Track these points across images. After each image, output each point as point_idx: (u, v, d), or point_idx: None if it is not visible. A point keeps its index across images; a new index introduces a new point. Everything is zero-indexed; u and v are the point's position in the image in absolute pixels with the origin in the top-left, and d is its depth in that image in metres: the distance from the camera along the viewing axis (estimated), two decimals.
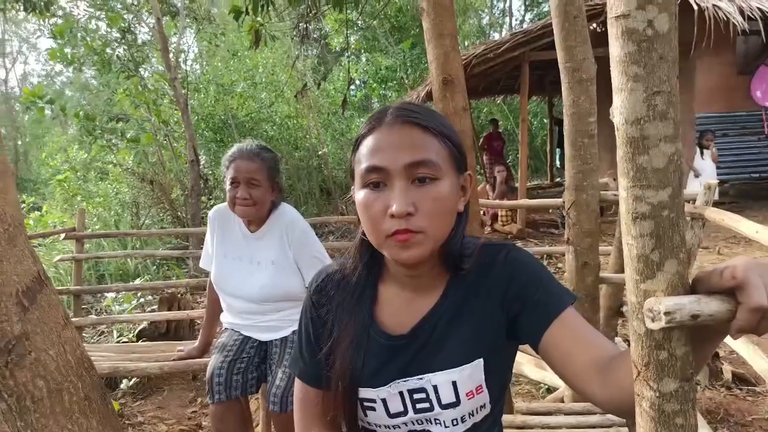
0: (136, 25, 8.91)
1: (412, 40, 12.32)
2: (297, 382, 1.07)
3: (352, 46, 13.30)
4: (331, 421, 1.04)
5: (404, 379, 0.96)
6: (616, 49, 0.59)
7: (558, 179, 12.57)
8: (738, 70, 8.09)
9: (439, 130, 0.89)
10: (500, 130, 11.26)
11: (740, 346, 1.88)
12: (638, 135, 0.59)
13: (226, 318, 2.24)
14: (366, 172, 0.87)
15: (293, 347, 1.10)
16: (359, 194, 0.89)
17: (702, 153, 7.38)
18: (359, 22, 12.32)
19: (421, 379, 0.95)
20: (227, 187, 2.02)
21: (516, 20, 19.60)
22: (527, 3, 19.26)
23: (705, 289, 0.63)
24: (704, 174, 7.15)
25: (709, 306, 0.60)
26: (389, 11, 12.47)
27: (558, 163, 12.51)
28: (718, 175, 7.47)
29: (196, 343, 2.53)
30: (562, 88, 1.99)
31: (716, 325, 0.61)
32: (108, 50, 7.79)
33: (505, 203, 6.04)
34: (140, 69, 8.61)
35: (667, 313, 0.59)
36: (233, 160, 2.02)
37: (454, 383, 0.94)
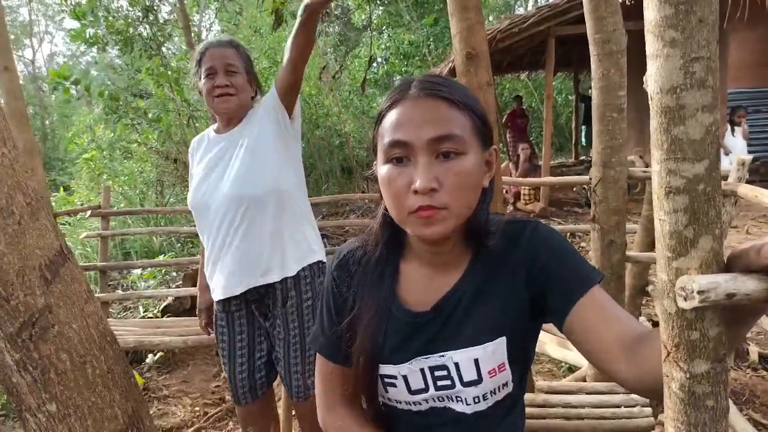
0: (158, 3, 8.90)
1: (435, 15, 12.13)
2: (319, 359, 1.07)
3: (374, 22, 13.14)
4: (352, 396, 1.04)
5: (426, 356, 0.95)
6: (651, 12, 0.55)
7: (583, 157, 12.37)
8: None
9: (464, 103, 0.86)
10: (524, 107, 11.09)
11: None
12: (674, 104, 0.56)
13: (217, 290, 1.87)
14: (389, 146, 0.85)
15: (315, 324, 1.09)
16: (382, 169, 0.87)
17: (733, 130, 7.17)
18: None
19: (442, 356, 0.94)
20: (202, 83, 1.81)
21: None
22: None
23: (741, 267, 0.60)
24: (734, 152, 6.95)
25: (746, 285, 0.57)
26: None
27: (583, 140, 12.29)
28: (748, 152, 7.26)
29: (199, 296, 2.14)
30: (591, 61, 1.92)
31: (752, 304, 0.59)
32: (130, 29, 7.81)
33: (529, 181, 5.98)
34: (162, 48, 8.64)
35: (700, 292, 0.56)
36: (205, 51, 1.81)
37: (476, 361, 0.92)
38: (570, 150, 13.65)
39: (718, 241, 0.60)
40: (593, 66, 1.92)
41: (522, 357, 0.98)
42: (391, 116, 0.87)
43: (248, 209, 1.76)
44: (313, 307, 1.88)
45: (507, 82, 15.43)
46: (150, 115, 7.61)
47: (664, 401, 0.69)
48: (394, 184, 0.85)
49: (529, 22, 6.93)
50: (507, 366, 0.94)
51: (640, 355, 0.79)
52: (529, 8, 13.21)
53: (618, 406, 1.82)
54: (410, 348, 0.96)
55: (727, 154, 7.06)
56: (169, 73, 7.47)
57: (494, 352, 0.93)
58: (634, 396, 1.82)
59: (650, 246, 2.53)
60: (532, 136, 12.69)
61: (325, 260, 1.96)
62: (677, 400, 0.66)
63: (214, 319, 1.98)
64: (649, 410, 1.77)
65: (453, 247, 0.94)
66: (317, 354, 1.07)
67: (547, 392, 1.95)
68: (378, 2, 12.62)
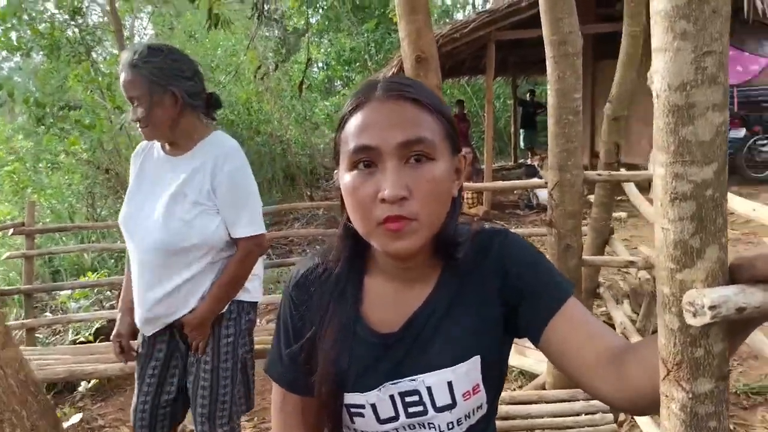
0: (88, 4, 8.49)
1: (376, 20, 12.15)
2: (275, 388, 0.97)
3: (314, 27, 13.04)
4: (313, 429, 0.95)
5: (395, 381, 0.87)
6: (661, 2, 0.50)
7: (521, 160, 12.69)
8: None
9: (433, 105, 0.80)
10: (465, 112, 11.25)
11: None
12: (683, 102, 0.51)
13: (137, 319, 1.75)
14: (354, 152, 0.77)
15: (272, 349, 0.99)
16: (345, 177, 0.79)
17: None
18: (321, 1, 12.09)
19: (413, 380, 0.87)
20: None
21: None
22: None
23: (746, 278, 0.56)
24: None
25: (755, 297, 0.53)
26: None
27: (522, 144, 12.61)
28: None
29: (119, 320, 1.84)
30: (547, 63, 1.91)
31: (759, 316, 0.55)
32: (56, 33, 7.38)
33: (481, 185, 6.05)
34: (92, 52, 8.21)
35: (712, 307, 0.52)
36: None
37: (450, 384, 0.86)
38: (509, 153, 13.95)
39: (724, 251, 0.56)
40: (549, 68, 1.90)
41: (496, 377, 0.93)
42: (356, 120, 0.79)
43: (173, 256, 1.65)
44: (233, 346, 1.77)
45: (447, 87, 15.64)
46: (79, 122, 7.17)
47: (661, 422, 0.65)
48: (359, 193, 0.77)
49: (470, 27, 7.01)
50: (482, 387, 0.88)
51: (621, 370, 0.75)
52: (468, 14, 13.46)
53: (579, 414, 1.81)
54: (378, 373, 0.88)
55: None
56: (100, 78, 7.08)
57: (468, 372, 0.87)
58: (595, 402, 1.81)
59: (600, 248, 2.56)
60: (473, 140, 12.90)
61: (258, 301, 1.86)
62: (677, 422, 0.61)
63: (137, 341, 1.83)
64: (610, 416, 1.76)
65: (422, 262, 0.87)
66: (274, 383, 0.97)
67: (508, 403, 1.91)
68: (317, 6, 12.52)
